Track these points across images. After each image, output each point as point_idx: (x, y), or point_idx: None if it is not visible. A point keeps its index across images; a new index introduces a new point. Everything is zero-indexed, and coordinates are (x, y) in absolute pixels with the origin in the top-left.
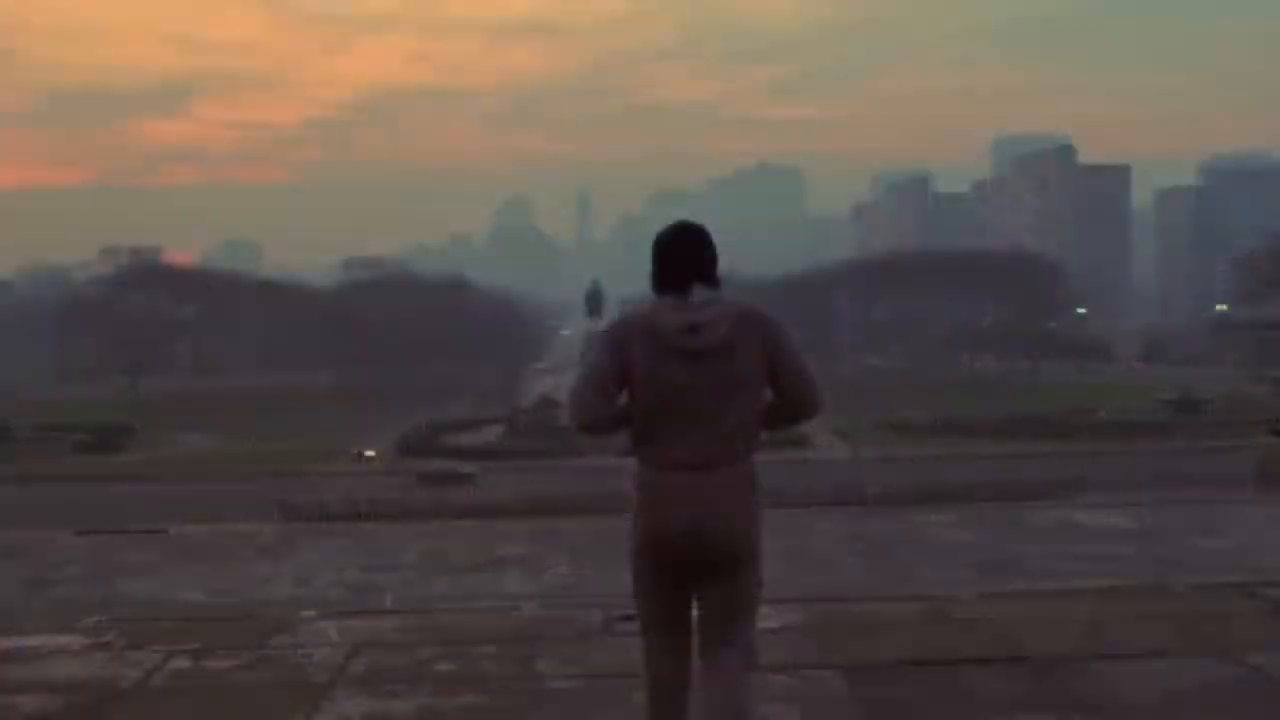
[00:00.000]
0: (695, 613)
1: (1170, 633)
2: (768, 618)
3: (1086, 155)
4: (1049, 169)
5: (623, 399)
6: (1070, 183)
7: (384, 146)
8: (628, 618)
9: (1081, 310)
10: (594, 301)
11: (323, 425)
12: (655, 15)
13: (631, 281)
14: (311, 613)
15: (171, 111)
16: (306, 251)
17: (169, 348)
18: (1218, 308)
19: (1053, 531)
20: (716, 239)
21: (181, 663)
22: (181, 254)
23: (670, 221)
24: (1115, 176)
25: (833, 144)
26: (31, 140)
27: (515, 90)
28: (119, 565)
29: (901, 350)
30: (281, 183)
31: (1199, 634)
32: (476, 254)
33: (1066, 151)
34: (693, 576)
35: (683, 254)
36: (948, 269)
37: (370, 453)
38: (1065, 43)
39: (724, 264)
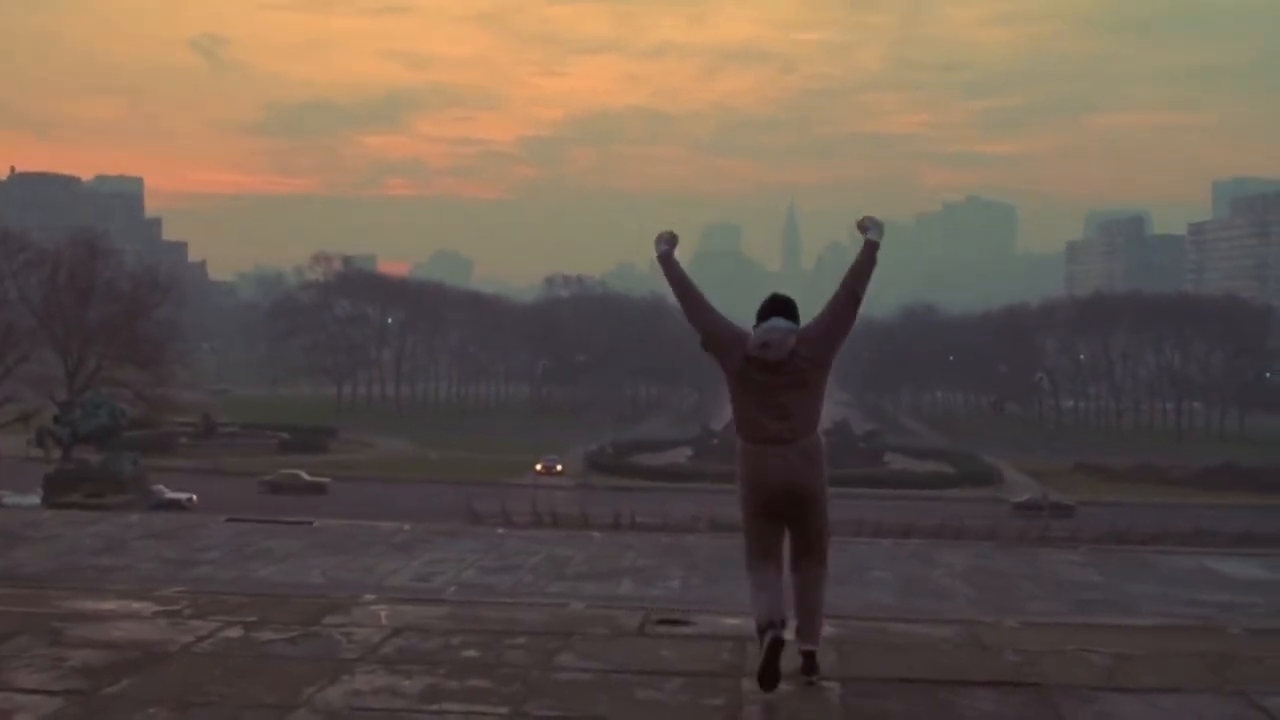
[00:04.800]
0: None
1: (1195, 670)
2: None
3: None
4: (1271, 213)
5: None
6: None
7: (595, 167)
8: (665, 621)
9: None
10: None
11: (516, 437)
12: (866, 45)
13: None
14: (371, 597)
15: (391, 125)
16: (515, 266)
17: (374, 353)
18: None
19: (1183, 576)
20: (923, 272)
21: (233, 632)
22: (396, 264)
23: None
24: None
25: (1046, 181)
26: (258, 148)
27: (726, 115)
28: (259, 551)
29: (1105, 393)
30: (495, 198)
31: (1223, 674)
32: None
33: None
34: (781, 516)
35: (772, 306)
36: (1157, 313)
37: (558, 467)
38: None
39: (926, 297)
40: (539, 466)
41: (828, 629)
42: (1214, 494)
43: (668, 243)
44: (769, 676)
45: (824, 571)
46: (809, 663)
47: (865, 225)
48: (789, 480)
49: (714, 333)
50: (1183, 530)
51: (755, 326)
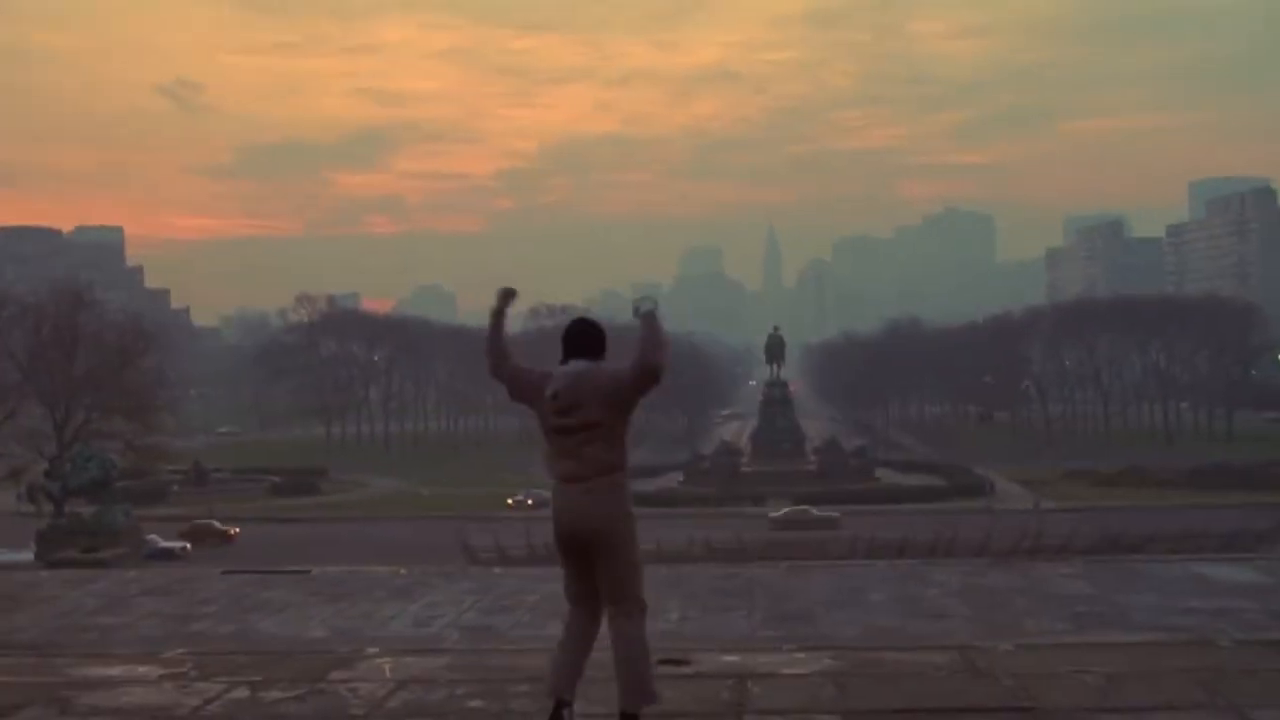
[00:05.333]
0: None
1: (1187, 687)
2: (800, 664)
3: None
4: (1248, 212)
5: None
6: (1270, 226)
7: (572, 195)
8: (665, 661)
9: None
10: (774, 350)
11: (506, 469)
12: (835, 63)
13: (820, 328)
14: (374, 650)
15: (369, 163)
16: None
17: (362, 392)
18: None
19: (1175, 585)
20: (904, 285)
21: (240, 693)
22: (379, 301)
23: (856, 264)
24: None
25: (1023, 189)
26: (236, 192)
27: (698, 139)
28: (258, 603)
29: (1092, 398)
30: (475, 231)
31: (1216, 689)
32: (665, 301)
33: (1266, 194)
34: (580, 555)
35: (573, 339)
36: (1139, 315)
37: (530, 501)
38: (1265, 82)
39: (909, 310)
40: (510, 501)
41: (825, 661)
42: (1205, 494)
43: (504, 299)
44: None
45: (635, 621)
46: None
47: (636, 305)
48: (577, 519)
49: (517, 384)
50: (1174, 533)
51: (561, 361)
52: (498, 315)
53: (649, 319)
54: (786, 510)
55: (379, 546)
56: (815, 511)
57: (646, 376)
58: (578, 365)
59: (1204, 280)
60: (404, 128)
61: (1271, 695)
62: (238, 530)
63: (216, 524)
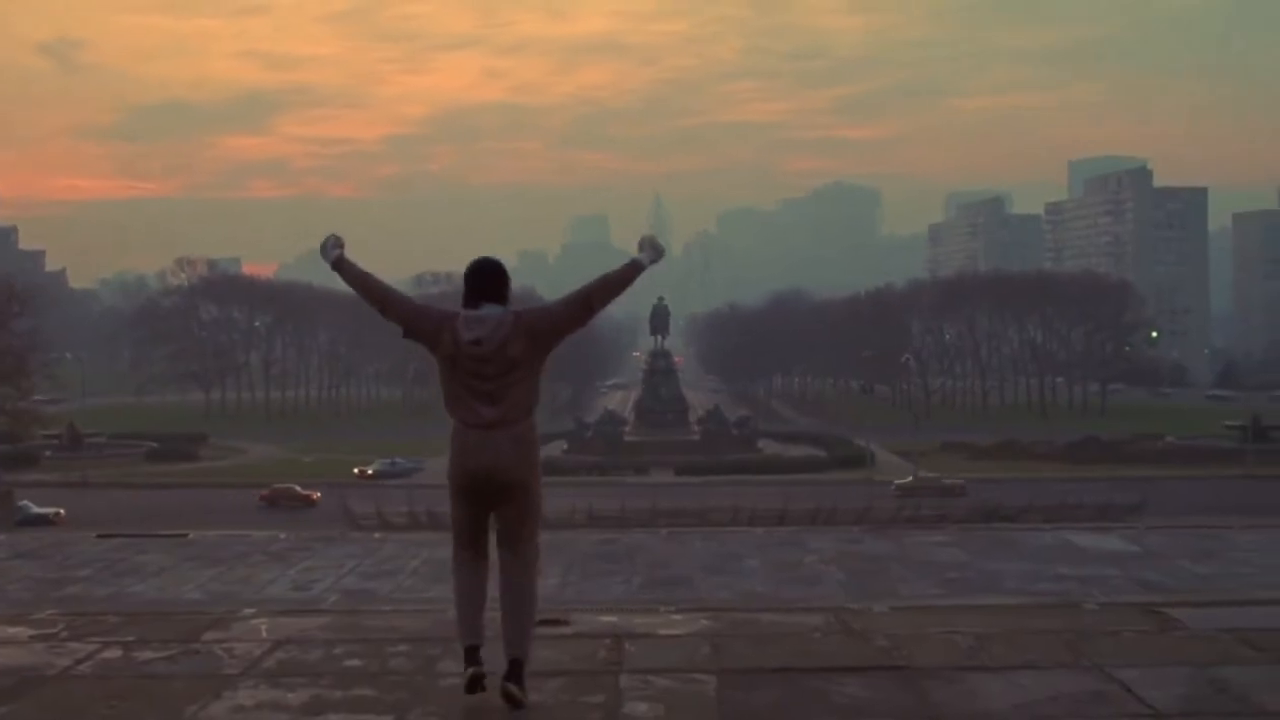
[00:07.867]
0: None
1: (1054, 647)
2: (676, 625)
3: (1163, 178)
4: (1125, 191)
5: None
6: (1146, 205)
7: (459, 163)
8: (544, 622)
9: (1154, 334)
10: (658, 320)
11: (387, 437)
12: (722, 36)
13: (705, 299)
14: (250, 610)
15: (254, 127)
16: (384, 265)
17: (242, 357)
18: None
19: (1045, 552)
20: (790, 258)
21: (112, 653)
22: (262, 265)
23: (741, 235)
24: (1192, 199)
25: (907, 164)
26: (116, 153)
27: (587, 108)
28: (134, 567)
29: (970, 372)
30: (360, 197)
31: (1080, 649)
32: (551, 270)
33: (1143, 174)
34: (486, 501)
35: (480, 281)
36: (1018, 291)
37: (371, 470)
38: (1143, 65)
39: (794, 283)
40: (355, 471)
41: (701, 622)
42: (1077, 467)
43: (336, 246)
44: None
45: (531, 566)
46: (512, 671)
47: (642, 244)
48: (495, 466)
49: (414, 323)
50: (1047, 505)
51: (465, 302)
52: (339, 267)
53: (637, 269)
54: (913, 478)
55: (259, 513)
56: (944, 480)
57: (584, 311)
58: (494, 310)
59: (1081, 257)
60: (291, 91)
61: (1132, 655)
62: (319, 494)
63: (298, 488)
